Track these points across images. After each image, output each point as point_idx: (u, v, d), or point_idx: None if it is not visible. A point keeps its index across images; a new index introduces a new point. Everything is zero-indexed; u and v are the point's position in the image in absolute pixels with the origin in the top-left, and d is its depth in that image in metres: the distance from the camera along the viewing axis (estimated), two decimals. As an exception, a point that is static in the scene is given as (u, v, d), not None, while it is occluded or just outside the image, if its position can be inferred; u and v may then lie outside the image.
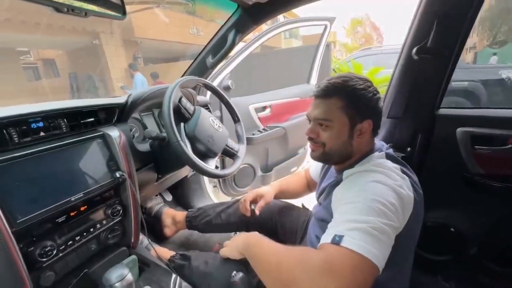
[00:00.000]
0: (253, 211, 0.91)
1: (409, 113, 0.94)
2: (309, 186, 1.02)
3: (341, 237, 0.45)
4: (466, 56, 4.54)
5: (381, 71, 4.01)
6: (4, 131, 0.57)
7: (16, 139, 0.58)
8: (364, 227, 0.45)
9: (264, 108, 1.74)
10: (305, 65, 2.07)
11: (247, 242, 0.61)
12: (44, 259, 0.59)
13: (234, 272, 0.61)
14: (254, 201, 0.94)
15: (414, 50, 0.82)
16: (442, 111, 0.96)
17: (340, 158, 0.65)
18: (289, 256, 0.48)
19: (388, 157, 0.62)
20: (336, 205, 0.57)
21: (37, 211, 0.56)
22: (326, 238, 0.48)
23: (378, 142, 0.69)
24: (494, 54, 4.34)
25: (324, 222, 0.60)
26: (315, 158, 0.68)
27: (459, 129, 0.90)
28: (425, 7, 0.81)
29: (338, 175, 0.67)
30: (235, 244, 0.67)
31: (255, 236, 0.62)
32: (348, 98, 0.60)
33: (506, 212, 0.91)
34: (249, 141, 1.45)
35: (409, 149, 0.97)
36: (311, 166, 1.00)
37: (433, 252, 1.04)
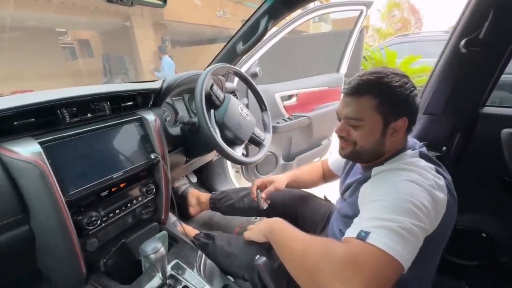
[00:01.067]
0: (258, 198, 0.92)
1: (449, 110, 0.89)
2: (325, 177, 1.01)
3: (367, 233, 0.45)
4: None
5: (418, 60, 3.72)
6: (58, 112, 0.63)
7: (68, 119, 0.64)
8: (391, 225, 0.45)
9: (290, 96, 1.71)
10: (335, 52, 1.97)
11: (272, 227, 0.63)
12: (90, 227, 0.66)
13: (258, 255, 0.65)
14: (263, 187, 0.96)
15: (463, 42, 0.75)
16: (487, 109, 0.89)
17: (370, 157, 0.63)
18: (314, 246, 0.49)
19: (422, 155, 0.59)
20: (364, 202, 0.56)
21: (85, 185, 0.63)
22: (351, 232, 0.48)
23: (411, 139, 0.66)
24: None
25: (348, 219, 0.60)
26: (345, 155, 0.66)
27: (505, 130, 0.83)
28: None
29: (366, 172, 0.65)
30: (260, 228, 0.70)
31: (280, 222, 0.63)
32: (382, 96, 0.56)
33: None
34: (274, 129, 1.44)
35: (444, 148, 0.92)
36: (331, 158, 0.98)
37: (460, 256, 1.01)
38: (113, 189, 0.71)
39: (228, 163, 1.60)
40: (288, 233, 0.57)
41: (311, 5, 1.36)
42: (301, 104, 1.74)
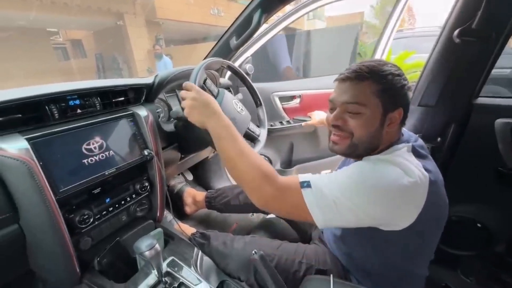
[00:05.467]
0: None
1: (443, 102, 0.89)
2: None
3: (308, 186, 0.52)
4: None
5: (412, 56, 3.74)
6: (46, 107, 0.61)
7: (56, 114, 0.62)
8: (332, 200, 0.50)
9: (292, 97, 1.55)
10: (345, 50, 1.84)
11: (221, 124, 0.61)
12: (83, 226, 0.65)
13: (255, 250, 0.64)
14: None
15: (456, 32, 0.75)
16: (480, 100, 0.89)
17: (365, 151, 0.59)
18: (259, 164, 0.56)
19: (414, 150, 0.57)
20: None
21: (76, 182, 0.61)
22: (303, 175, 0.55)
23: (407, 132, 0.65)
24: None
25: None
26: (339, 151, 0.61)
27: (499, 120, 0.83)
28: None
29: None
30: (204, 113, 0.62)
31: (230, 126, 0.61)
32: (384, 82, 0.54)
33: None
34: (267, 132, 1.39)
35: (439, 139, 0.92)
36: None
37: (456, 247, 1.02)
38: (105, 187, 0.70)
39: (224, 160, 1.58)
40: (239, 142, 0.59)
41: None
42: (305, 107, 1.53)
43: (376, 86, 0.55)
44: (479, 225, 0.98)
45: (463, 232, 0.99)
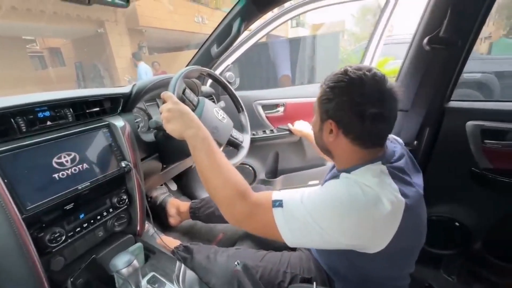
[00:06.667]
0: None
1: (417, 106, 0.93)
2: None
3: (280, 205, 0.52)
4: (481, 47, 4.37)
5: (390, 62, 3.90)
6: (12, 120, 0.58)
7: (23, 128, 0.59)
8: (302, 221, 0.49)
9: (275, 106, 1.49)
10: (328, 57, 1.80)
11: (199, 136, 0.58)
12: (54, 245, 0.61)
13: (238, 261, 0.62)
14: None
15: (426, 40, 0.79)
16: (452, 104, 0.94)
17: (321, 149, 0.64)
18: (234, 181, 0.55)
19: (392, 172, 0.53)
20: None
21: (45, 199, 0.58)
22: (276, 194, 0.54)
23: (391, 149, 0.60)
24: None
25: None
26: None
27: (469, 123, 0.87)
28: None
29: (338, 173, 0.61)
30: (183, 122, 0.60)
31: (208, 137, 0.59)
32: (323, 91, 0.57)
33: (513, 208, 0.90)
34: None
35: (415, 142, 0.96)
36: None
37: (437, 246, 1.04)
38: (79, 202, 0.66)
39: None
40: (216, 155, 0.58)
41: (287, 5, 1.33)
42: (290, 116, 1.46)
43: (320, 93, 0.58)
44: (457, 224, 1.01)
45: (443, 231, 1.02)
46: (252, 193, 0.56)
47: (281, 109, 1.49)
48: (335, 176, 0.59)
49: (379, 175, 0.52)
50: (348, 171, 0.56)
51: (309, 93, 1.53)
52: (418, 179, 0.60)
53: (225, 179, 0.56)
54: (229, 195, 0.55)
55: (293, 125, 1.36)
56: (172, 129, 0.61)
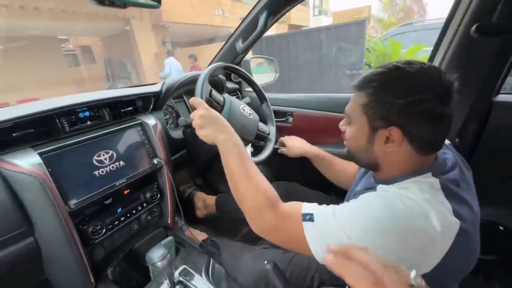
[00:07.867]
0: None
1: (460, 100, 0.84)
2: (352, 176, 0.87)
3: (311, 218, 0.48)
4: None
5: (423, 49, 3.63)
6: (57, 121, 0.62)
7: (67, 127, 0.63)
8: (335, 238, 0.44)
9: (284, 114, 1.25)
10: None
11: (234, 142, 0.58)
12: (96, 236, 0.65)
13: (266, 260, 0.62)
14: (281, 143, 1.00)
15: (474, 27, 0.71)
16: (501, 97, 0.85)
17: (365, 164, 0.56)
18: (264, 191, 0.53)
19: (446, 188, 0.45)
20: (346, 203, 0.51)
21: (88, 194, 0.62)
22: (307, 207, 0.50)
23: (442, 157, 0.52)
24: None
25: None
26: (347, 153, 0.60)
27: None
28: None
29: (374, 184, 0.55)
30: (218, 129, 0.59)
31: (241, 145, 0.59)
32: (373, 95, 0.48)
33: None
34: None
35: (457, 140, 0.88)
36: None
37: (477, 251, 0.97)
38: (116, 197, 0.70)
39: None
40: (246, 162, 0.57)
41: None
42: (299, 130, 1.20)
43: (363, 99, 0.49)
44: (501, 228, 0.93)
45: (484, 236, 0.94)
46: (281, 204, 0.53)
47: (289, 118, 1.24)
48: (371, 188, 0.53)
49: (428, 190, 0.44)
50: (387, 182, 0.49)
51: (334, 104, 1.13)
52: (470, 194, 0.51)
53: (254, 187, 0.54)
54: (257, 204, 0.53)
55: (284, 144, 1.02)
56: (205, 135, 0.61)
